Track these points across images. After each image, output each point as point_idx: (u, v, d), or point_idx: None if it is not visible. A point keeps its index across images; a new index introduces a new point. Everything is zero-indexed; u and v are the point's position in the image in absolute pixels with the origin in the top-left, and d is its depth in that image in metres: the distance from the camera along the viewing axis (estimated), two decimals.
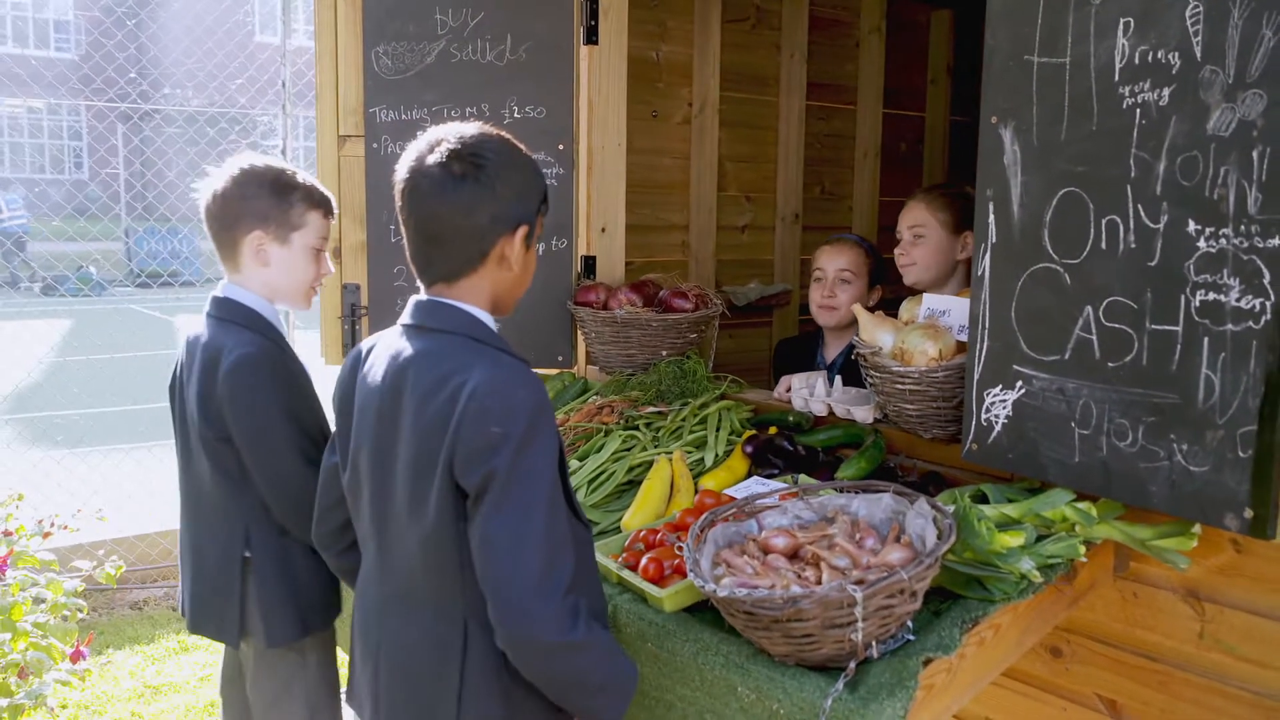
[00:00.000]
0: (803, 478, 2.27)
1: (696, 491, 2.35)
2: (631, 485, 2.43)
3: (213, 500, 2.19)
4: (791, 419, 2.53)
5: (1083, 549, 1.85)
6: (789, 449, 2.41)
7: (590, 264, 3.22)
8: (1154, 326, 1.74)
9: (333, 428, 1.89)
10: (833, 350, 3.11)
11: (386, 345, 1.73)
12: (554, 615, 1.53)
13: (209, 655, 4.41)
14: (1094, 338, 1.84)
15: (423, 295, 1.72)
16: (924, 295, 2.36)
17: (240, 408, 2.08)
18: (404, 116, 3.05)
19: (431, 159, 1.64)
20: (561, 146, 3.09)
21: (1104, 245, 1.81)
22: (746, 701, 1.76)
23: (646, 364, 2.95)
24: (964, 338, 2.24)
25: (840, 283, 2.99)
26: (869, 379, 2.36)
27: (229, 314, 2.19)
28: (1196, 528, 1.84)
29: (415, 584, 1.69)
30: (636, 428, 2.57)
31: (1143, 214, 1.75)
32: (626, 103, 3.29)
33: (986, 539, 1.79)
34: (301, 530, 2.10)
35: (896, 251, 2.79)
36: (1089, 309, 1.84)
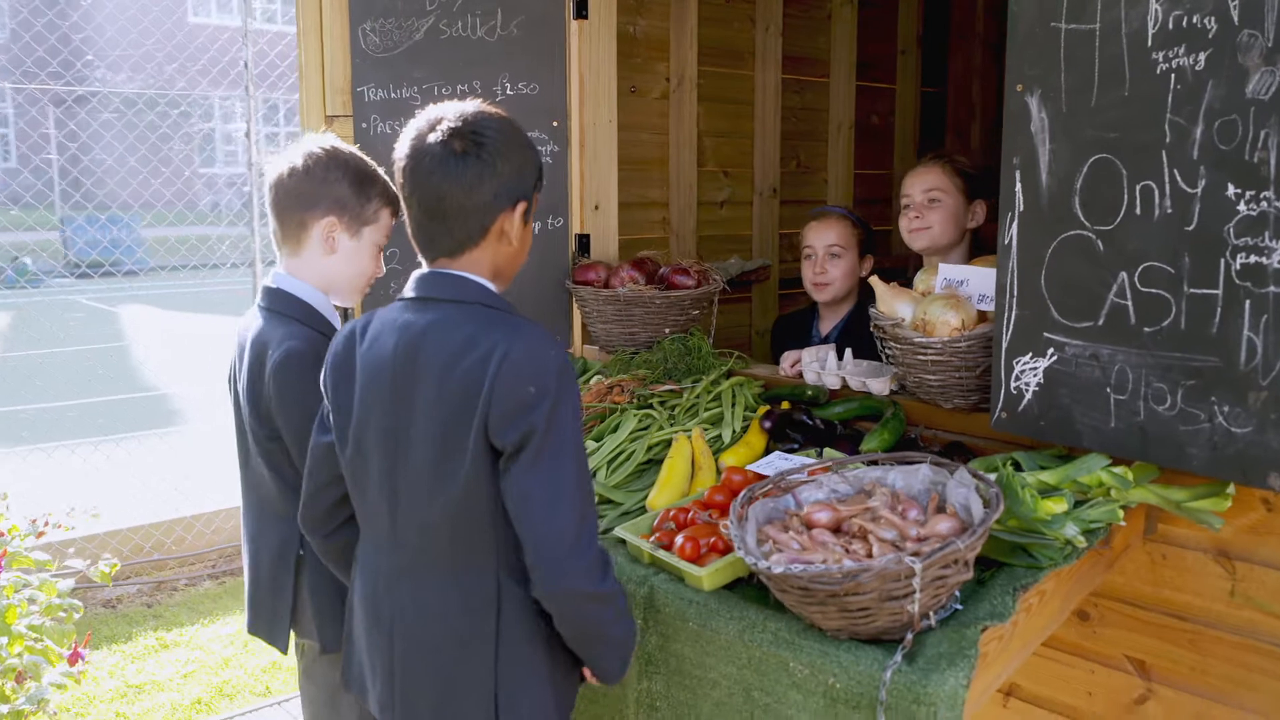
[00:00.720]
0: (828, 451, 2.26)
1: (718, 468, 2.34)
2: (650, 464, 2.41)
3: (268, 499, 2.12)
4: (809, 393, 2.52)
5: (1121, 513, 1.87)
6: (808, 423, 2.40)
7: (584, 242, 3.18)
8: (1192, 290, 1.76)
9: (326, 405, 1.85)
10: (827, 324, 3.11)
11: (390, 319, 1.74)
12: (588, 566, 1.62)
13: (189, 652, 4.32)
14: (1129, 303, 1.85)
15: (426, 269, 1.75)
16: (940, 265, 2.36)
17: (288, 404, 2.00)
18: (393, 95, 2.98)
19: (433, 137, 1.68)
20: (556, 123, 3.04)
21: (1138, 211, 1.82)
22: (799, 677, 1.75)
23: (649, 342, 2.93)
24: (984, 307, 2.25)
25: (831, 258, 2.99)
26: (887, 351, 2.36)
27: (280, 306, 2.10)
28: (1231, 488, 1.86)
29: (437, 550, 1.72)
30: (650, 406, 2.55)
31: (1179, 179, 1.76)
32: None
33: (1031, 506, 1.80)
34: None
35: (910, 215, 2.78)
36: (1123, 275, 1.85)
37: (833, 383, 2.55)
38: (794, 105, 4.65)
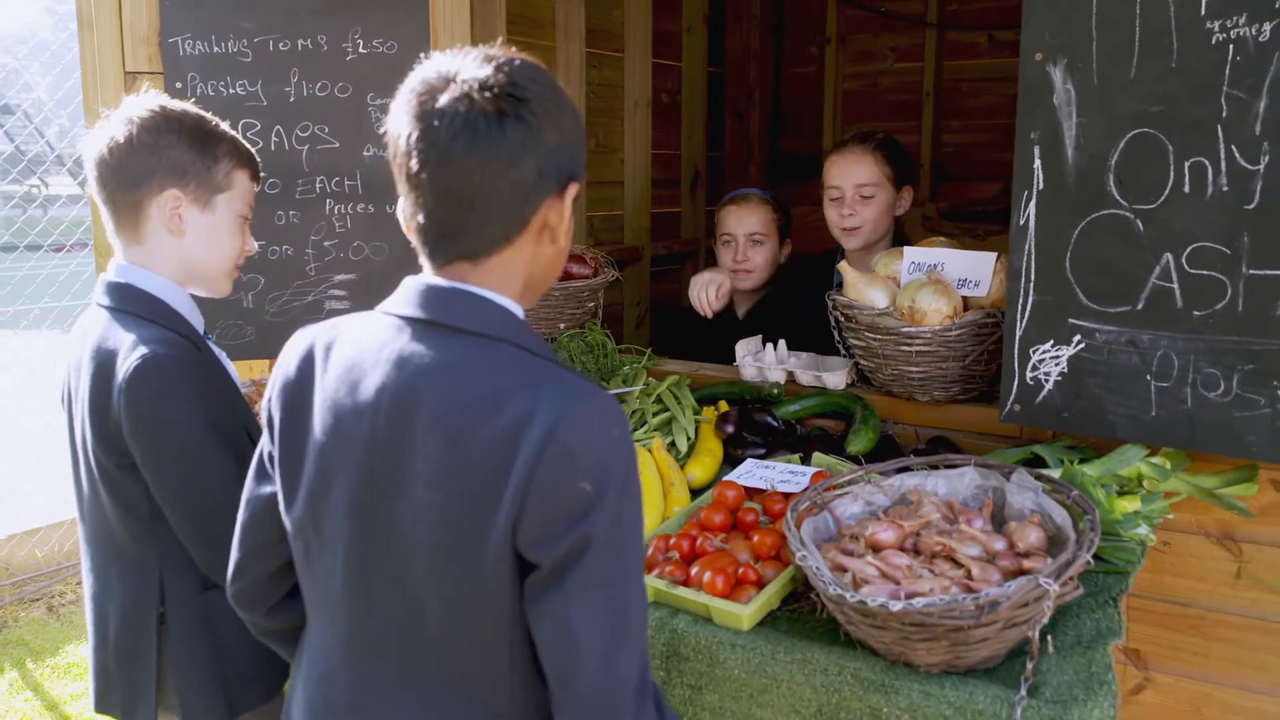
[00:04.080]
0: (818, 456, 2.04)
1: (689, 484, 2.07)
2: None
3: (117, 545, 1.73)
4: (773, 391, 2.28)
5: (1168, 506, 1.79)
6: (772, 424, 2.17)
7: None
8: (1252, 272, 1.69)
9: (268, 444, 1.36)
10: (741, 310, 2.89)
11: (377, 344, 1.25)
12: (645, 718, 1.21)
13: None
14: (1175, 286, 1.76)
15: (432, 278, 1.24)
16: (905, 249, 2.20)
17: (145, 424, 1.60)
18: (217, 49, 2.41)
19: (449, 95, 1.18)
20: None
21: (1187, 189, 1.73)
22: None
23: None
24: (966, 291, 2.11)
25: (752, 244, 2.77)
26: (857, 341, 2.17)
27: (127, 304, 1.69)
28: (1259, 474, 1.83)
29: (426, 673, 1.27)
30: None
31: (1238, 155, 1.68)
32: None
33: (1107, 506, 1.67)
34: None
35: (841, 211, 2.56)
36: (1168, 256, 1.76)
37: (778, 377, 2.33)
38: (592, 80, 4.38)
